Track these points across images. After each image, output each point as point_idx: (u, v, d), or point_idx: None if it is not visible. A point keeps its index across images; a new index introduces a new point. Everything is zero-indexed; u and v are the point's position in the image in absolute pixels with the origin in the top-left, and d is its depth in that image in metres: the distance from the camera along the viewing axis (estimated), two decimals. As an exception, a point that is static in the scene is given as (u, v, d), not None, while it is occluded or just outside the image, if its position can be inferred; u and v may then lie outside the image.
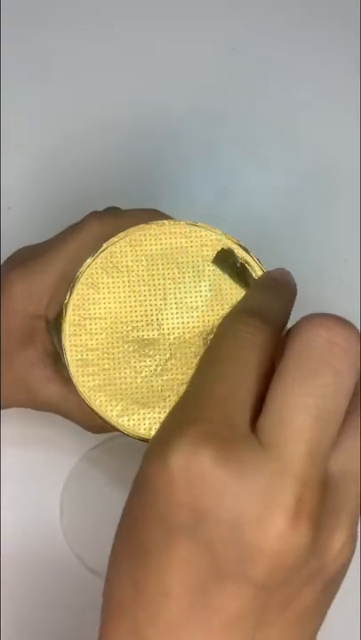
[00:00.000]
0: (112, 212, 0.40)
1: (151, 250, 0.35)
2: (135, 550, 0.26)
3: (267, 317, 0.28)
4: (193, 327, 0.35)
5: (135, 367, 0.35)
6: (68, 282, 0.37)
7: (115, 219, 0.38)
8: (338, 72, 0.54)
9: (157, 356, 0.35)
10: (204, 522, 0.24)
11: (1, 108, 0.52)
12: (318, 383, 0.24)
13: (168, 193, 0.51)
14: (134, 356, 0.35)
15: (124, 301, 0.35)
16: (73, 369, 0.35)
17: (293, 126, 0.53)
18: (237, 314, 0.29)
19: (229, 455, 0.24)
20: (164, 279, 0.35)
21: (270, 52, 0.54)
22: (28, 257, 0.40)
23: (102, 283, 0.35)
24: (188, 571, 0.24)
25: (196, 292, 0.35)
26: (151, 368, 0.35)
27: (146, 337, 0.35)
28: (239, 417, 0.25)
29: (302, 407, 0.24)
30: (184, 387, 0.35)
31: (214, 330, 0.35)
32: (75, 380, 0.35)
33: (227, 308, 0.36)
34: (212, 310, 0.35)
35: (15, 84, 0.52)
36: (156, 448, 0.25)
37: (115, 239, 0.35)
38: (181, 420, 0.25)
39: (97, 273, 0.35)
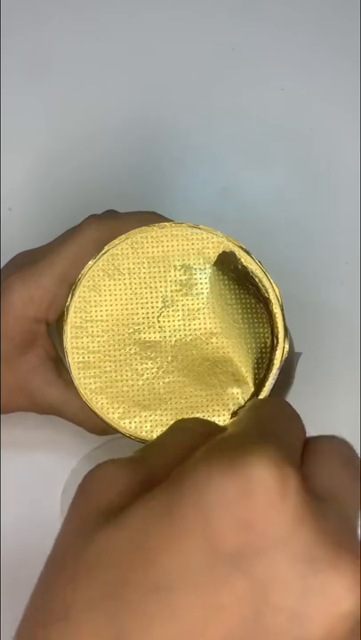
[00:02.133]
0: (110, 215, 0.40)
1: (153, 252, 0.35)
2: (135, 597, 0.19)
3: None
4: (195, 329, 0.35)
5: (137, 369, 0.35)
6: (67, 285, 0.37)
7: (113, 222, 0.38)
8: (338, 72, 0.54)
9: (159, 359, 0.35)
10: (266, 552, 0.19)
11: (1, 108, 0.52)
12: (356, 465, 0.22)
13: (168, 194, 0.51)
14: (136, 359, 0.35)
15: (126, 304, 0.35)
16: (75, 371, 0.35)
17: (293, 127, 0.53)
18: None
19: (304, 483, 0.20)
20: (165, 281, 0.35)
21: (270, 52, 0.54)
22: (26, 261, 0.40)
23: (104, 285, 0.35)
24: (230, 623, 0.18)
25: (197, 294, 0.35)
26: (153, 370, 0.35)
27: (147, 339, 0.35)
28: (295, 461, 0.22)
29: (348, 464, 0.22)
30: (186, 389, 0.35)
31: (216, 332, 0.35)
32: (76, 382, 0.35)
33: (228, 311, 0.36)
34: (214, 312, 0.35)
35: (15, 84, 0.52)
36: (216, 454, 0.20)
37: (116, 242, 0.35)
38: (254, 436, 0.21)
39: (98, 275, 0.35)
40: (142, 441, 0.34)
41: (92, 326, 0.35)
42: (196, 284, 0.35)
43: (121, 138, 0.52)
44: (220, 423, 0.34)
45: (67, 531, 0.21)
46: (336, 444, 0.23)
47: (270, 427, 0.22)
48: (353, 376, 0.50)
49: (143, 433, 0.34)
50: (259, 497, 0.19)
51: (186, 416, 0.35)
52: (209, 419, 0.35)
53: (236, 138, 0.52)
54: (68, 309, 0.35)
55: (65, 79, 0.52)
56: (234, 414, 0.35)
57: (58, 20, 0.53)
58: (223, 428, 0.23)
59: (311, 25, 0.54)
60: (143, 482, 0.21)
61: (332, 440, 0.23)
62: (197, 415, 0.35)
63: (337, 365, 0.51)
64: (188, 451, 0.22)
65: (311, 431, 0.53)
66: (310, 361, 0.47)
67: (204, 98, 0.52)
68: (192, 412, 0.35)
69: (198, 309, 0.36)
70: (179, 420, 0.25)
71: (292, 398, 0.44)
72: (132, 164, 0.52)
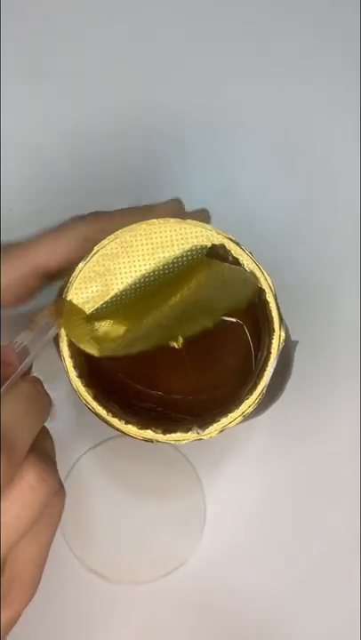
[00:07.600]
0: (94, 213, 0.40)
1: (142, 250, 0.35)
2: None
3: None
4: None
5: None
6: (40, 273, 0.37)
7: (98, 216, 0.38)
8: (338, 73, 0.53)
9: None
10: None
11: (1, 108, 0.52)
12: None
13: (168, 194, 0.50)
14: None
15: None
16: (72, 374, 0.34)
17: (294, 127, 0.52)
18: None
19: None
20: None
21: (270, 53, 0.53)
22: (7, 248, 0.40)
23: (95, 287, 0.35)
24: None
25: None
26: None
27: None
28: None
29: None
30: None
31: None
32: (75, 384, 0.34)
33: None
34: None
35: (15, 84, 0.52)
36: None
37: (105, 242, 0.34)
38: None
39: (90, 277, 0.35)
40: (145, 439, 0.34)
41: None
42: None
43: (121, 138, 0.52)
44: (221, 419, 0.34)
45: None
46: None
47: None
48: (353, 376, 0.50)
49: (147, 431, 0.34)
50: None
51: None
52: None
53: (235, 138, 0.52)
54: None
55: (65, 79, 0.52)
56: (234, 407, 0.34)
57: (58, 20, 0.53)
58: None
59: (311, 26, 0.54)
60: None
61: None
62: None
63: (338, 365, 0.50)
64: None
65: (312, 427, 0.52)
66: (310, 360, 0.47)
67: (203, 98, 0.52)
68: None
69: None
70: None
71: (294, 395, 0.44)
72: (133, 165, 0.52)
